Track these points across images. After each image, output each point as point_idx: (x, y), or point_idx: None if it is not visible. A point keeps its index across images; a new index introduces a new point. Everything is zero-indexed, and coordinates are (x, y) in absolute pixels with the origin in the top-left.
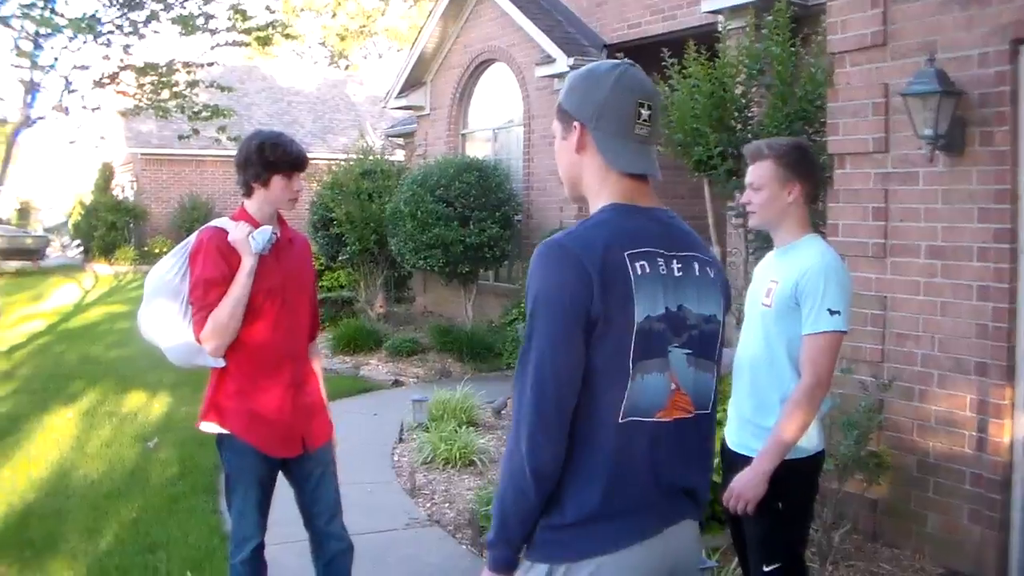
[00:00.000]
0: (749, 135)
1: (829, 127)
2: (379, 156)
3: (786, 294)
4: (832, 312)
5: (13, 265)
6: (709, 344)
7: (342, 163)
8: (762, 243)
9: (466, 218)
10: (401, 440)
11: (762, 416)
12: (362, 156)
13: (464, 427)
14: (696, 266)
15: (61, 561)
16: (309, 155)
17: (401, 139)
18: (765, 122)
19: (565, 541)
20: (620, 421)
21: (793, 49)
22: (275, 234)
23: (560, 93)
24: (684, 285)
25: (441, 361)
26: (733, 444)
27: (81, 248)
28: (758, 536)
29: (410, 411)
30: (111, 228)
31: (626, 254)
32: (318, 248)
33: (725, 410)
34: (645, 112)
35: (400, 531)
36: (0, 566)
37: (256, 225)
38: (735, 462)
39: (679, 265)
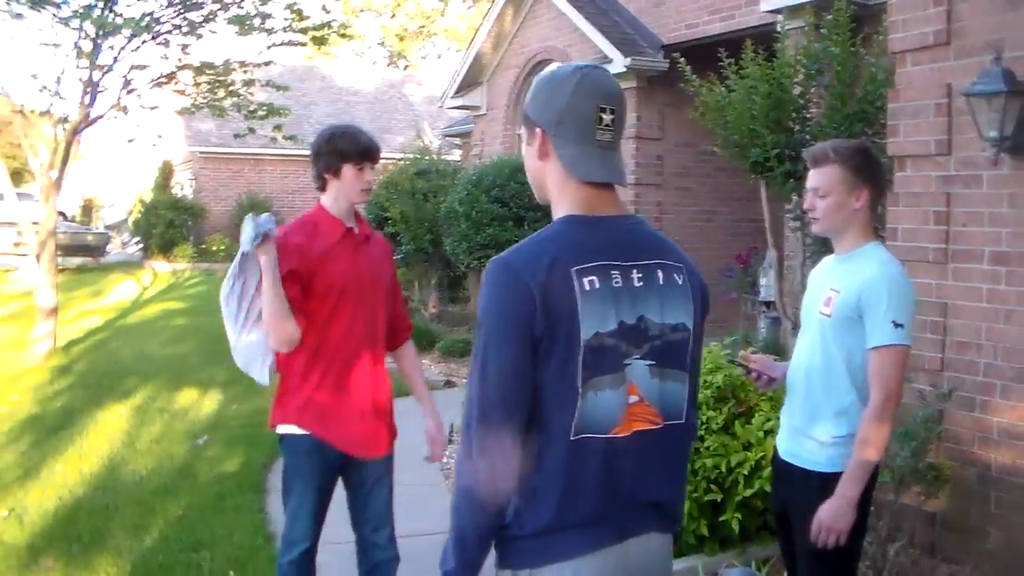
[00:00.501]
0: (807, 136)
1: (889, 129)
2: (435, 156)
3: (848, 304)
4: (897, 325)
5: (75, 261)
6: (676, 353)
7: (398, 162)
8: (820, 247)
9: (521, 218)
10: (451, 442)
11: (813, 427)
12: (418, 156)
13: None
14: (660, 274)
15: (106, 557)
16: None
17: (458, 139)
18: (823, 123)
19: (526, 549)
20: (572, 438)
21: (853, 49)
22: (270, 223)
23: (526, 98)
24: (645, 295)
25: None
26: (783, 453)
27: (140, 245)
28: (812, 551)
29: (461, 413)
30: (170, 226)
31: (573, 270)
32: None
33: (778, 418)
34: (607, 116)
35: (447, 535)
36: (48, 560)
37: (332, 221)
38: (785, 471)
39: (639, 275)
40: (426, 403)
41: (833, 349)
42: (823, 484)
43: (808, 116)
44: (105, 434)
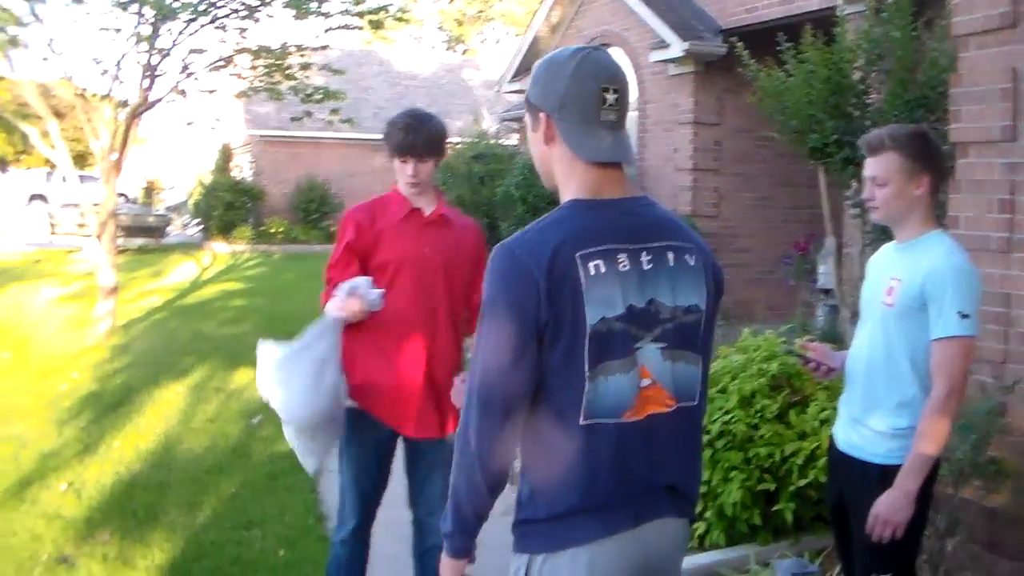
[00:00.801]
0: (867, 122)
1: (952, 115)
2: (493, 140)
3: (911, 294)
4: (962, 315)
5: (136, 242)
6: (689, 335)
7: (455, 147)
8: (880, 234)
9: None
10: None
11: (872, 418)
12: (476, 140)
13: None
14: (671, 256)
15: (160, 532)
16: None
17: (516, 123)
18: (884, 109)
19: (542, 534)
20: (582, 423)
21: (914, 33)
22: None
23: (528, 84)
24: (655, 278)
25: None
26: (840, 443)
27: (200, 227)
28: (870, 544)
29: None
30: (229, 208)
31: (578, 255)
32: None
33: (834, 408)
34: (611, 96)
35: (496, 517)
36: (104, 533)
37: (400, 202)
38: (843, 462)
39: (649, 257)
40: None
41: (895, 340)
42: (882, 476)
43: (868, 102)
44: (162, 412)
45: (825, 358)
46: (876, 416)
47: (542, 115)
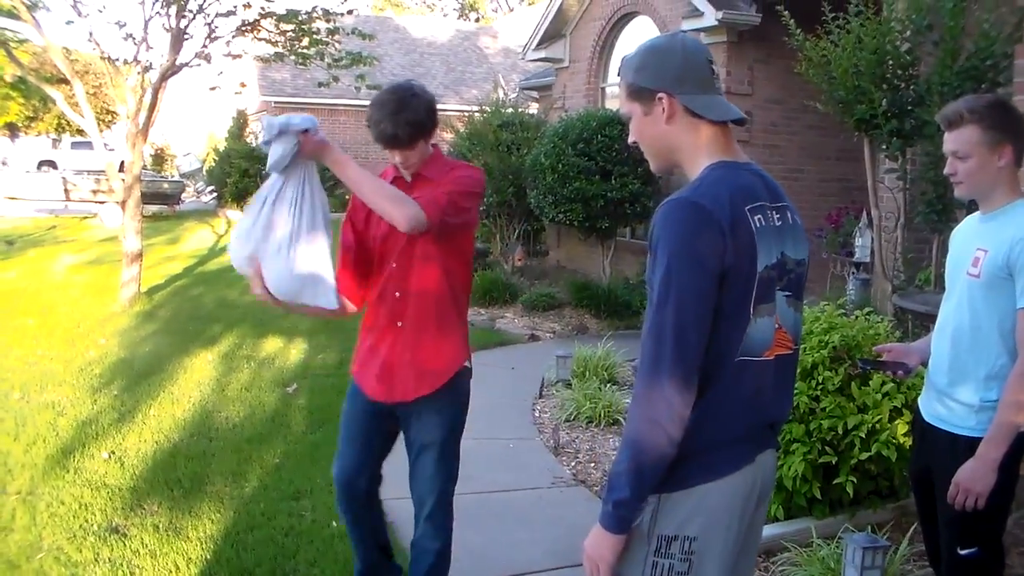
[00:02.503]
0: (913, 93)
1: (1016, 86)
2: (514, 108)
3: (997, 264)
4: None
5: (151, 209)
6: (801, 286)
7: (476, 114)
8: (924, 207)
9: (607, 172)
10: (541, 396)
11: (958, 390)
12: (497, 108)
13: (607, 385)
14: (789, 215)
15: (208, 503)
16: (441, 107)
17: (535, 92)
18: (933, 80)
19: (676, 473)
20: (736, 359)
21: (964, 3)
22: (301, 121)
23: (626, 75)
24: (784, 233)
25: (578, 317)
26: (926, 415)
27: (215, 194)
28: (955, 516)
29: (549, 367)
30: (244, 175)
31: (746, 208)
32: None
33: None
34: (715, 67)
35: (545, 490)
36: (151, 504)
37: (391, 173)
38: (929, 434)
39: (778, 216)
40: None
41: (982, 311)
42: (971, 449)
43: (915, 73)
44: (194, 380)
45: (901, 356)
46: (964, 388)
47: (661, 95)
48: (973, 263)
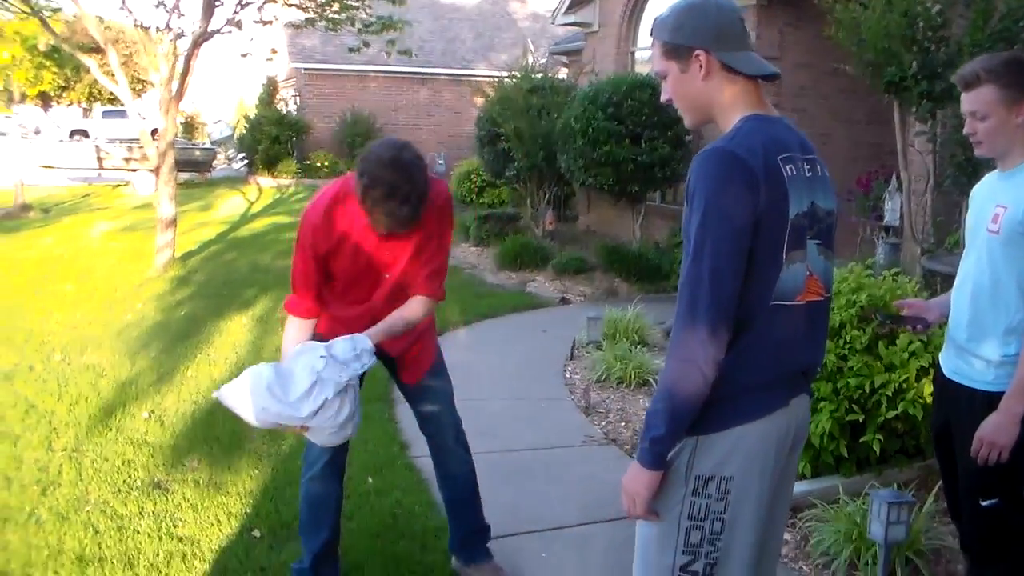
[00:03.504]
0: (944, 55)
1: None
2: (544, 73)
3: (1016, 219)
4: None
5: (183, 176)
6: (831, 235)
7: (507, 79)
8: (953, 170)
9: (638, 136)
10: (572, 357)
11: (978, 345)
12: (527, 73)
13: (637, 347)
14: (818, 167)
15: (247, 460)
16: (470, 72)
17: (565, 56)
18: (964, 41)
19: (708, 415)
20: (769, 304)
21: None
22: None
23: (662, 35)
24: (814, 184)
25: (608, 280)
26: (947, 371)
27: (245, 161)
28: (975, 468)
29: (580, 329)
30: (274, 142)
31: (778, 158)
32: (483, 164)
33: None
34: (745, 25)
35: (576, 448)
36: (192, 460)
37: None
38: (949, 390)
39: (808, 167)
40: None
41: (1001, 266)
42: (989, 403)
43: (946, 35)
44: (230, 342)
45: (922, 311)
46: (983, 343)
47: (698, 52)
48: (992, 219)
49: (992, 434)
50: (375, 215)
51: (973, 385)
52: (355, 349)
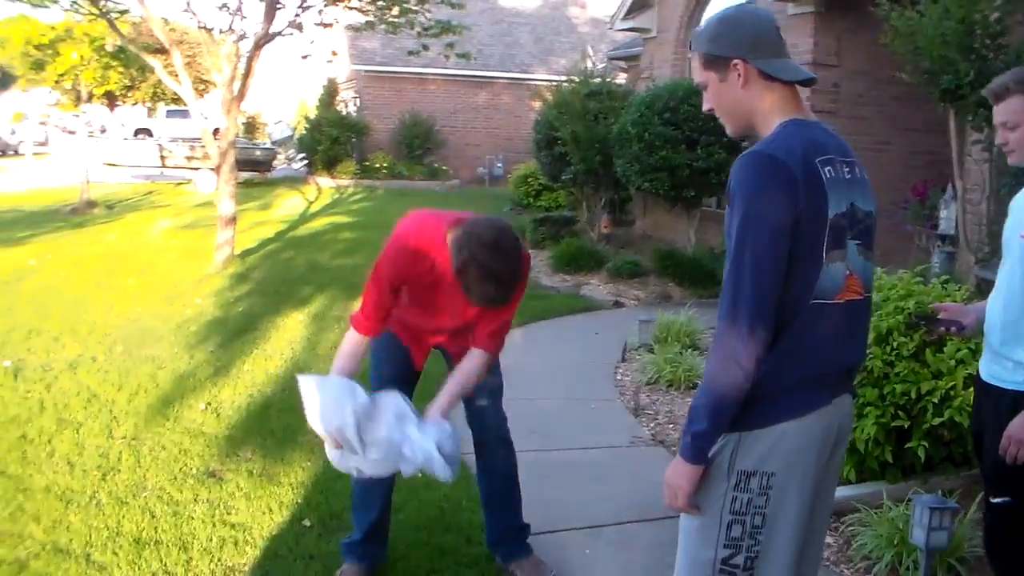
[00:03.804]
0: (1002, 64)
1: None
2: (602, 79)
3: None
4: None
5: (243, 176)
6: (871, 236)
7: (565, 84)
8: (1009, 179)
9: (694, 142)
10: (624, 360)
11: (1011, 349)
12: (585, 78)
13: (688, 351)
14: (857, 170)
15: (300, 452)
16: (529, 76)
17: (623, 62)
18: (1021, 50)
19: (752, 412)
20: (809, 303)
21: None
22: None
23: (700, 46)
24: (853, 186)
25: (662, 285)
26: (984, 375)
27: (305, 161)
28: (990, 465)
29: (632, 332)
30: (334, 143)
31: (817, 160)
32: (541, 167)
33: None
34: (781, 33)
35: (624, 449)
36: (246, 450)
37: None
38: (983, 392)
39: (847, 169)
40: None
41: None
42: (1014, 403)
43: (1005, 43)
44: (286, 339)
45: (957, 315)
46: (1016, 347)
47: (736, 62)
48: None
49: (1021, 431)
50: (468, 291)
51: (1004, 386)
52: (455, 447)
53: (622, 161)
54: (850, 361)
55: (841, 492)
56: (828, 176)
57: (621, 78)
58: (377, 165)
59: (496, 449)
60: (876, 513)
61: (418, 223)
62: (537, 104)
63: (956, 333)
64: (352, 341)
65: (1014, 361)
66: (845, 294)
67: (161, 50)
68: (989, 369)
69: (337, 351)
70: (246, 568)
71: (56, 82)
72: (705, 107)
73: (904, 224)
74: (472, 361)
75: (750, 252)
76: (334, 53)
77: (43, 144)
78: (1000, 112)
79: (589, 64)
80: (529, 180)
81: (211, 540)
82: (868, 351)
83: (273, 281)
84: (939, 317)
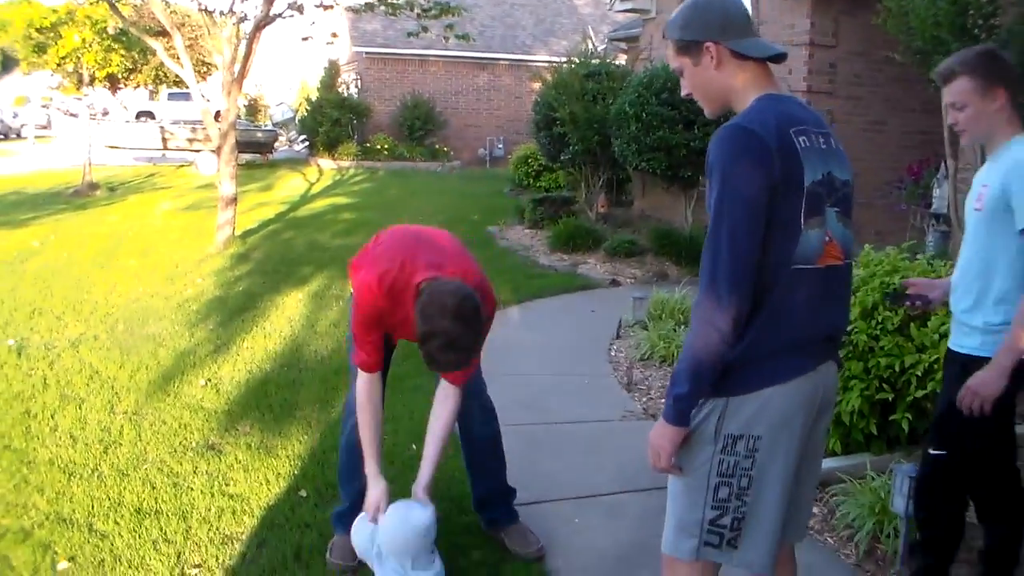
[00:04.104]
0: (994, 44)
1: None
2: (602, 59)
3: (995, 195)
4: None
5: (245, 157)
6: (849, 204)
7: (565, 65)
8: None
9: (691, 122)
10: (618, 337)
11: (971, 316)
12: (584, 59)
13: (682, 327)
14: (832, 141)
15: (297, 426)
16: (530, 58)
17: (624, 43)
18: (1015, 30)
19: (737, 378)
20: (790, 268)
21: None
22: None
23: (673, 33)
24: (829, 156)
25: (659, 264)
26: (951, 344)
27: (306, 143)
28: (934, 421)
29: (627, 309)
30: (335, 124)
31: (791, 131)
32: (540, 148)
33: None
34: (749, 14)
35: (615, 422)
36: (245, 424)
37: None
38: (952, 359)
39: (822, 140)
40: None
41: (986, 241)
42: (963, 366)
43: (997, 23)
44: (285, 317)
45: (925, 289)
46: (976, 315)
47: (708, 44)
48: (977, 198)
49: (979, 386)
50: (432, 360)
51: (962, 351)
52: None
53: (620, 141)
54: (832, 326)
55: (827, 463)
56: (803, 145)
57: (621, 59)
58: (378, 147)
59: (477, 415)
60: (860, 483)
61: (379, 278)
62: (537, 85)
63: (922, 307)
64: (365, 389)
65: (970, 326)
66: (825, 259)
67: (163, 33)
68: (955, 338)
69: (357, 405)
70: (243, 536)
71: (58, 65)
72: (683, 92)
73: (899, 204)
74: (446, 405)
75: (727, 221)
76: (334, 35)
77: (45, 127)
78: (947, 93)
79: (590, 45)
80: (529, 161)
81: (210, 510)
82: (853, 325)
83: (273, 261)
84: (907, 293)
